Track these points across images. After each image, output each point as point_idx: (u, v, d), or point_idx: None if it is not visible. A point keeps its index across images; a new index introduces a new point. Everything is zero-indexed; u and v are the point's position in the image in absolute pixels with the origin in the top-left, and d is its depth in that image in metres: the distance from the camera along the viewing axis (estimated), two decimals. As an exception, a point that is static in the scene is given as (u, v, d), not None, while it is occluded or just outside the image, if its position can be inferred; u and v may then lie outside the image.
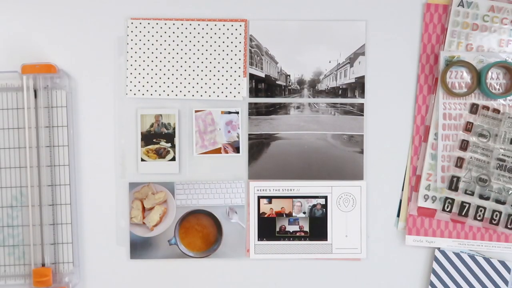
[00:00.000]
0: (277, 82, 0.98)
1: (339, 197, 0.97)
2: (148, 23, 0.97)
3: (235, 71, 0.97)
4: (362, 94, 0.97)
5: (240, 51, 0.97)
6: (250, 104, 0.97)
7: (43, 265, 0.93)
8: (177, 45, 0.97)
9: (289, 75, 0.97)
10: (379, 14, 0.97)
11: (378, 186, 0.97)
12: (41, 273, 0.92)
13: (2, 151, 0.94)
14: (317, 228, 0.97)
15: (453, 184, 0.93)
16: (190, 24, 0.97)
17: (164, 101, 0.97)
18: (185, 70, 0.97)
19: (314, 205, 0.97)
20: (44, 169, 0.93)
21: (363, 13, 0.97)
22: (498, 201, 0.93)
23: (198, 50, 0.97)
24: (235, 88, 0.97)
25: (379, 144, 0.97)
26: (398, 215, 0.97)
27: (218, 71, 0.97)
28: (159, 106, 0.97)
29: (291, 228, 0.97)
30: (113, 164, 0.97)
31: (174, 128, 0.96)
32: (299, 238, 0.97)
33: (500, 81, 0.95)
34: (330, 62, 0.97)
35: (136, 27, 0.97)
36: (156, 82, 0.97)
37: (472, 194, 0.93)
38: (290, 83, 0.98)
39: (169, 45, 0.97)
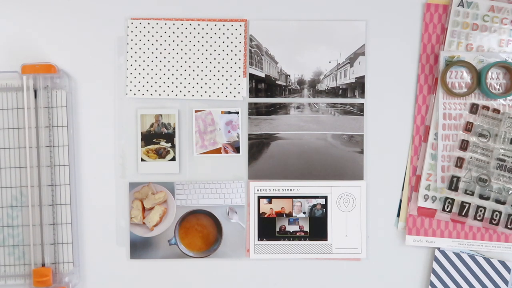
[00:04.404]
0: (277, 82, 0.98)
1: (339, 197, 0.97)
2: (148, 23, 0.97)
3: (235, 71, 0.97)
4: (362, 94, 0.97)
5: (240, 51, 0.97)
6: (250, 104, 0.97)
7: (43, 265, 0.93)
8: (177, 45, 0.97)
9: (289, 75, 0.97)
10: (379, 14, 0.97)
11: (378, 186, 0.97)
12: (41, 273, 0.92)
13: (2, 151, 0.94)
14: (317, 228, 0.97)
15: (453, 184, 0.93)
16: (190, 24, 0.97)
17: (164, 101, 0.97)
18: (185, 70, 0.97)
19: (314, 205, 0.97)
20: (44, 169, 0.93)
21: (363, 13, 0.97)
22: (498, 201, 0.93)
23: (198, 50, 0.97)
24: (235, 88, 0.97)
25: (379, 144, 0.97)
26: (398, 215, 0.97)
27: (218, 71, 0.97)
28: (159, 106, 0.97)
29: (291, 228, 0.97)
30: (113, 164, 0.97)
31: (174, 128, 0.96)
32: (299, 238, 0.97)
33: (500, 81, 0.95)
34: (330, 62, 0.97)
35: (136, 27, 0.97)
36: (156, 82, 0.97)
37: (472, 194, 0.93)
38: (290, 83, 0.98)
39: (169, 45, 0.97)
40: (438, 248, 0.96)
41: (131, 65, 0.97)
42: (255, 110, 0.97)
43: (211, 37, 0.97)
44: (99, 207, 0.97)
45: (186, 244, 0.97)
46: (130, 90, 0.97)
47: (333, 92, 0.98)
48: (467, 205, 0.93)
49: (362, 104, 0.97)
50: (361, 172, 0.97)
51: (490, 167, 0.93)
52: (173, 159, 0.96)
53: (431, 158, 0.95)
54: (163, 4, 0.97)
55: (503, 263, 0.95)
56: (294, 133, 0.97)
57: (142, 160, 0.96)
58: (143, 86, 0.97)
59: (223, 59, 0.97)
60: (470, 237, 0.95)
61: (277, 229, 0.97)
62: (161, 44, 0.97)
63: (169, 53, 0.97)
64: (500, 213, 0.93)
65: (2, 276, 0.94)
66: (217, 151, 0.97)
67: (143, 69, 0.97)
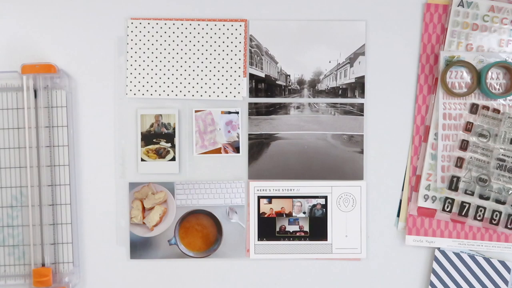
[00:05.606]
0: (277, 82, 0.98)
1: (339, 197, 0.97)
2: (148, 23, 0.97)
3: (235, 71, 0.97)
4: (362, 94, 0.97)
5: (240, 51, 0.97)
6: (250, 104, 0.97)
7: (43, 265, 0.93)
8: (177, 45, 0.97)
9: (289, 75, 0.97)
10: (379, 14, 0.97)
11: (378, 186, 0.97)
12: (41, 273, 0.92)
13: (2, 151, 0.94)
14: (317, 228, 0.97)
15: (453, 184, 0.93)
16: (190, 24, 0.97)
17: (164, 101, 0.97)
18: (185, 70, 0.97)
19: (314, 205, 0.97)
20: (44, 169, 0.93)
21: (363, 13, 0.97)
22: (498, 201, 0.93)
23: (198, 50, 0.97)
24: (235, 88, 0.97)
25: (379, 144, 0.97)
26: (398, 215, 0.97)
27: (218, 71, 0.97)
28: (159, 106, 0.97)
29: (291, 228, 0.97)
30: (113, 164, 0.97)
31: (174, 128, 0.96)
32: (299, 238, 0.97)
33: (500, 81, 0.95)
34: (330, 62, 0.97)
35: (136, 27, 0.97)
36: (156, 82, 0.97)
37: (472, 194, 0.93)
38: (290, 83, 0.98)
39: (169, 45, 0.97)
40: (438, 248, 0.96)
41: (131, 65, 0.97)
42: (255, 110, 0.97)
43: (211, 37, 0.97)
44: (99, 207, 0.97)
45: (186, 244, 0.97)
46: (130, 90, 0.97)
47: (333, 92, 0.98)
48: (467, 205, 0.93)
49: (362, 104, 0.97)
50: (361, 172, 0.97)
51: (490, 167, 0.93)
52: (173, 159, 0.96)
53: (431, 158, 0.95)
54: (163, 4, 0.97)
55: (503, 263, 0.95)
56: (294, 133, 0.97)
57: (142, 160, 0.96)
58: (143, 86, 0.97)
59: (223, 59, 0.97)
60: (470, 237, 0.95)
61: (277, 229, 0.97)
62: (161, 44, 0.97)
63: (169, 53, 0.97)
64: (500, 213, 0.93)
65: (2, 276, 0.94)
66: (217, 151, 0.97)
67: (143, 69, 0.97)
